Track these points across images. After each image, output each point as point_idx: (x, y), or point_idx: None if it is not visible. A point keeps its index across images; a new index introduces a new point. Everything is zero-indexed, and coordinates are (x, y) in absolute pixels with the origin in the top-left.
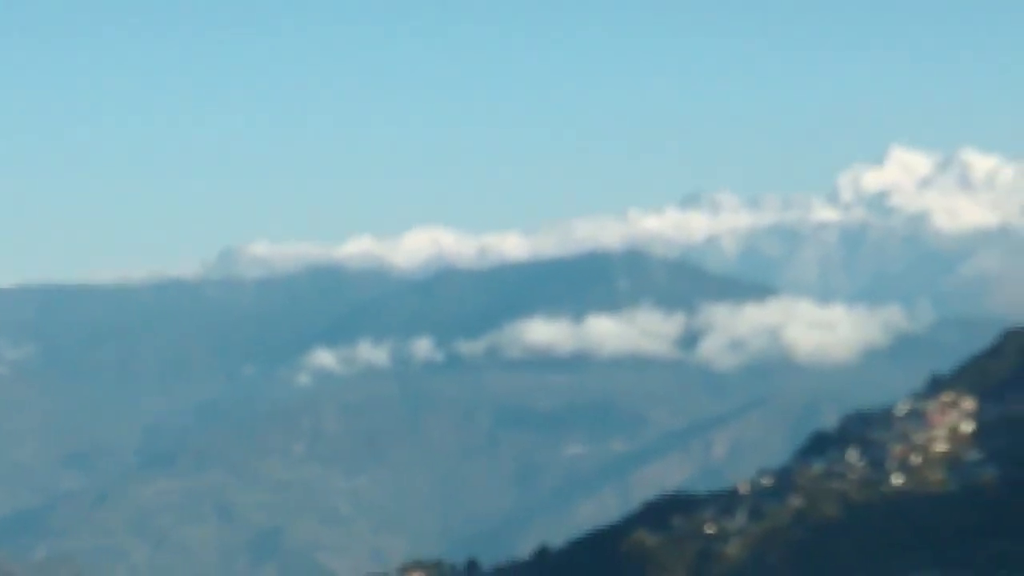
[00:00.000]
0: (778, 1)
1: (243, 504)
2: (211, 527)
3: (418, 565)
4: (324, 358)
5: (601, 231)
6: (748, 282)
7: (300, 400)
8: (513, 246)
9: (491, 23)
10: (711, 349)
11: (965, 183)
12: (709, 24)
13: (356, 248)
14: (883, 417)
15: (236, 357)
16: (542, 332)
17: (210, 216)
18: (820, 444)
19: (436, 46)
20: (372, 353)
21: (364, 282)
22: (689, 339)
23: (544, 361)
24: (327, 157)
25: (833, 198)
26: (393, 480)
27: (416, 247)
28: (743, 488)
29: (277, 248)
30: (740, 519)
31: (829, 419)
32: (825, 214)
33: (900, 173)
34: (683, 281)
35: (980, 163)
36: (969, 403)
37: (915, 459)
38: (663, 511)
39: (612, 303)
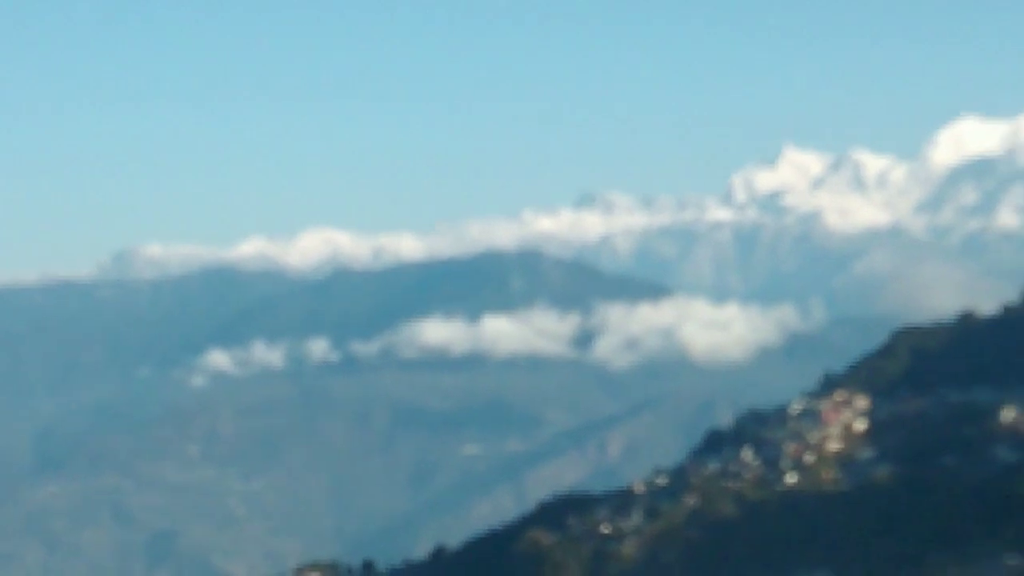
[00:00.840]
0: (669, 1)
1: (138, 506)
2: (105, 530)
3: (314, 567)
4: (219, 359)
5: (495, 232)
6: (643, 282)
7: (195, 402)
8: (408, 247)
9: (384, 23)
10: (606, 349)
11: (857, 183)
12: (602, 23)
13: (250, 249)
14: (777, 416)
15: (130, 359)
16: (437, 332)
17: (104, 218)
18: (715, 443)
19: (327, 45)
20: (267, 354)
21: (258, 283)
22: (584, 339)
23: (439, 361)
24: (221, 158)
25: (727, 198)
26: (288, 481)
27: (310, 248)
28: (638, 488)
29: (171, 249)
30: (635, 519)
31: (724, 418)
32: (719, 214)
33: (793, 173)
34: (578, 281)
35: (872, 163)
36: (862, 401)
37: (809, 458)
38: (558, 511)
39: (507, 303)
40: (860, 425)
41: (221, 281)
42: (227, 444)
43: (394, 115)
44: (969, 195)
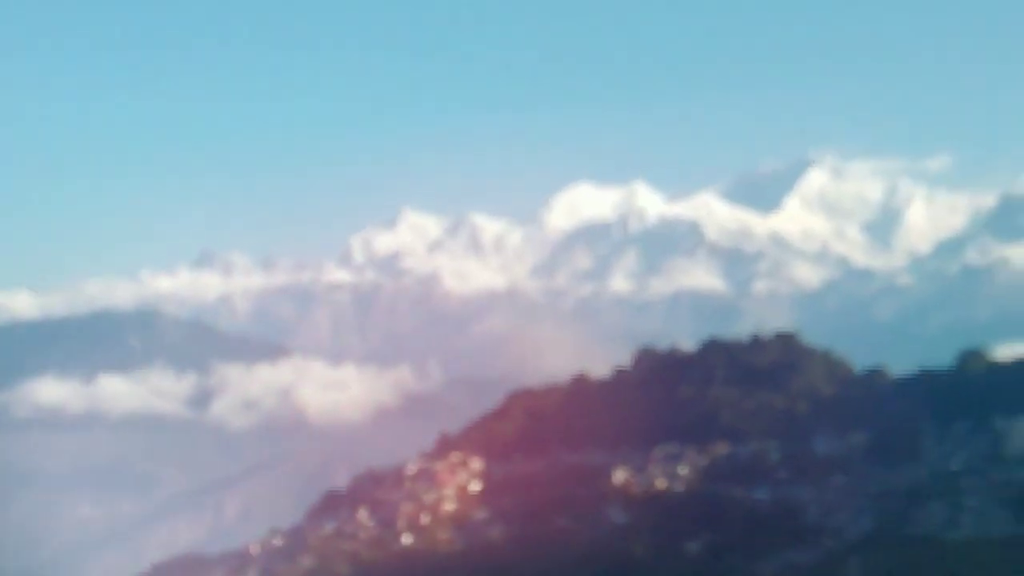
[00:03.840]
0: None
1: None
2: None
3: None
4: None
5: (113, 291)
6: (261, 342)
7: None
8: (22, 305)
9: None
10: (223, 409)
11: (474, 246)
12: (204, 81)
13: None
14: (393, 477)
15: None
16: (51, 392)
17: None
18: (331, 504)
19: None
20: None
21: None
22: (201, 399)
23: (54, 421)
24: None
25: (346, 260)
26: None
27: None
28: (254, 549)
29: None
30: None
31: (341, 479)
32: (338, 275)
33: (411, 236)
34: (196, 341)
35: (489, 227)
36: (476, 463)
37: (424, 519)
38: (173, 572)
39: (123, 362)
40: (475, 486)
41: None
42: None
43: (6, 172)
44: (583, 260)
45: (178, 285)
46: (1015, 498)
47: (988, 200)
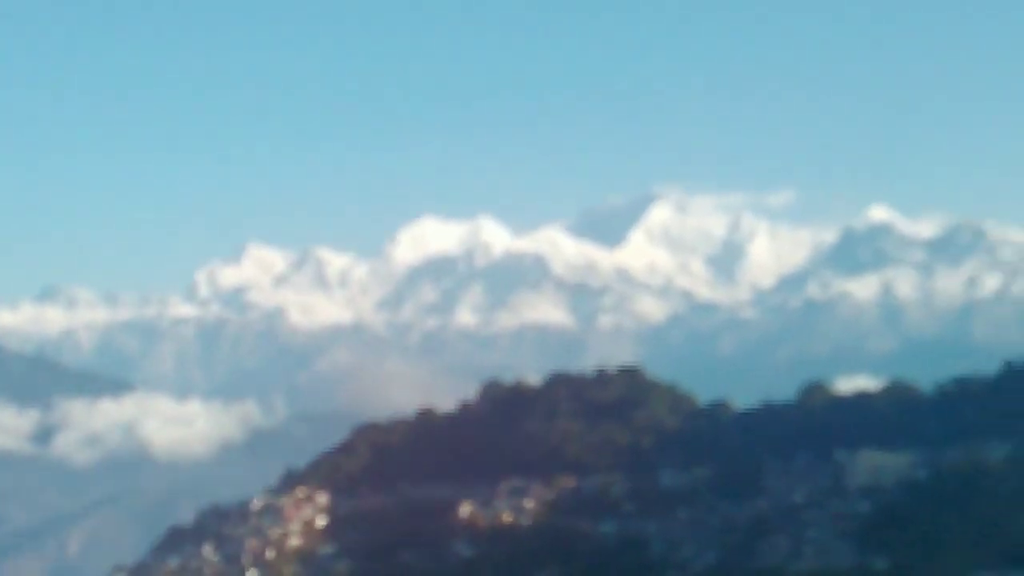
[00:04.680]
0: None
1: None
2: None
3: None
4: None
5: None
6: (105, 377)
7: None
8: None
9: None
10: (66, 444)
11: (320, 280)
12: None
13: None
14: (239, 512)
15: None
16: None
17: None
18: (176, 540)
19: None
20: None
21: None
22: (44, 434)
23: None
24: None
25: (191, 294)
26: None
27: None
28: None
29: None
30: None
31: (185, 514)
32: (182, 310)
33: (256, 270)
34: (38, 375)
35: (335, 261)
36: (322, 498)
37: (270, 554)
38: None
39: None
40: (321, 521)
41: None
42: None
43: None
44: (428, 294)
45: (20, 320)
46: (856, 530)
47: (829, 235)
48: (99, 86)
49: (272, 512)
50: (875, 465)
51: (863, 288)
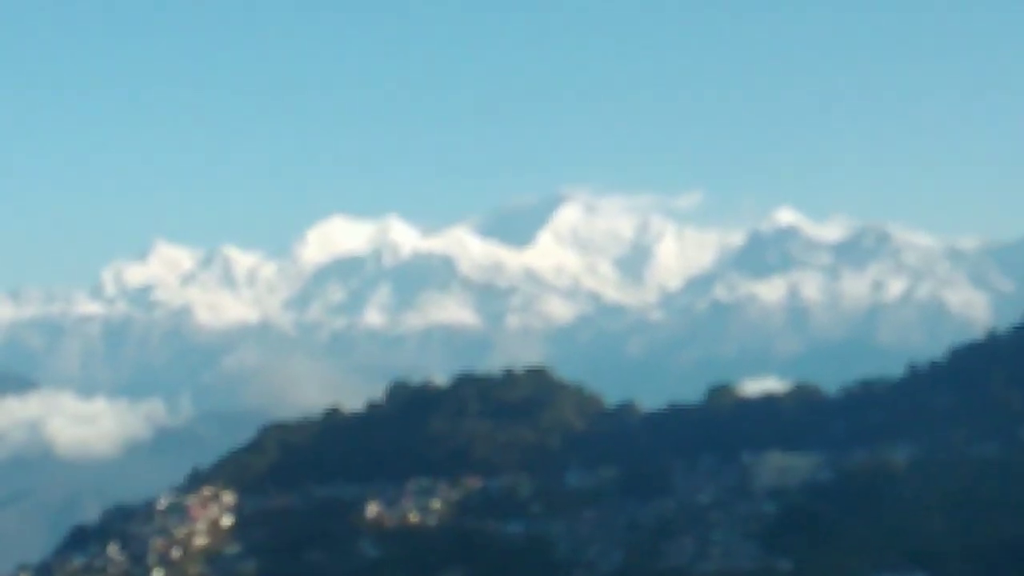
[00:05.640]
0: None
1: None
2: None
3: None
4: None
5: None
6: (9, 375)
7: None
8: None
9: None
10: None
11: (227, 279)
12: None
13: None
14: (144, 511)
15: None
16: None
17: None
18: (80, 539)
19: None
20: None
21: None
22: None
23: None
24: None
25: (97, 292)
26: None
27: None
28: None
29: None
30: None
31: (90, 514)
32: (88, 308)
33: (163, 268)
34: None
35: (242, 260)
36: (229, 497)
37: (176, 553)
38: None
39: None
40: (227, 520)
41: None
42: None
43: None
44: (336, 293)
45: None
46: (761, 531)
47: (736, 237)
48: (2, 80)
49: (178, 511)
50: (780, 467)
51: (770, 290)
